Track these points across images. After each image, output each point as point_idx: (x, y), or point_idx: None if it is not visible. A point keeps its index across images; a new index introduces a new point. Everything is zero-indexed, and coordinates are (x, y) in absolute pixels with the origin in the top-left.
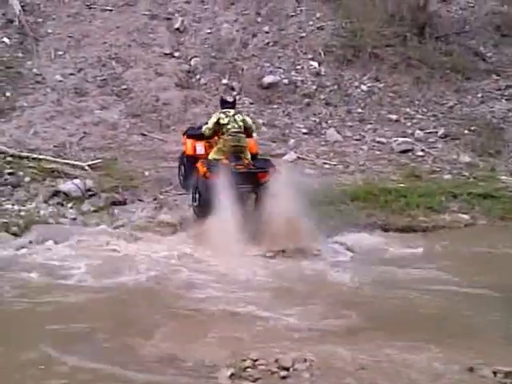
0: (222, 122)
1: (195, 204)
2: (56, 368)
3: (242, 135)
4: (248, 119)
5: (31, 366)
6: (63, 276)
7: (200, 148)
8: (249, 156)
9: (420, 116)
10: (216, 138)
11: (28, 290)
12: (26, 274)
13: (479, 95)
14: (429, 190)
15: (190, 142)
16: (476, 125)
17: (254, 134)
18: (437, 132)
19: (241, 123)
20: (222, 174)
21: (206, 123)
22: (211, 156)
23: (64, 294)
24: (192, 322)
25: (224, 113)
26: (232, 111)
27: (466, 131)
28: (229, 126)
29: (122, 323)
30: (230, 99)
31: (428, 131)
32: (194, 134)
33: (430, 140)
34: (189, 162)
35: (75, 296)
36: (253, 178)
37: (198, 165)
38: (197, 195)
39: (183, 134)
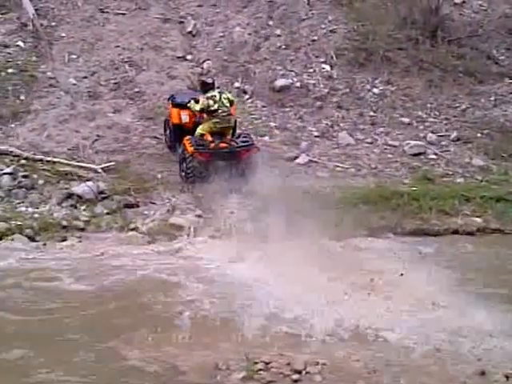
0: (212, 108)
1: (183, 174)
2: None
3: (231, 116)
4: (229, 95)
5: None
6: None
7: (185, 117)
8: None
9: (432, 119)
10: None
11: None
12: None
13: (492, 98)
14: (441, 193)
15: (175, 110)
16: (489, 128)
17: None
18: (449, 135)
19: (228, 104)
20: (207, 154)
21: (194, 99)
22: (198, 131)
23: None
24: (201, 325)
25: (211, 98)
26: (217, 94)
27: (478, 134)
28: (219, 111)
29: (125, 326)
30: (210, 81)
31: (440, 134)
32: (179, 103)
33: (443, 143)
34: (174, 128)
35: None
36: (236, 155)
37: (186, 142)
38: (184, 166)
39: (168, 100)
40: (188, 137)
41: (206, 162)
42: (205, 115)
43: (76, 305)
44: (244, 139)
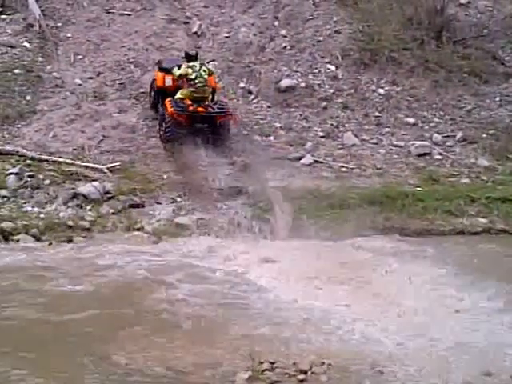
0: (190, 77)
1: (162, 133)
2: None
3: (207, 87)
4: (210, 67)
5: None
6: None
7: (168, 80)
8: (210, 98)
9: (438, 119)
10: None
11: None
12: None
13: (497, 99)
14: (447, 193)
15: (160, 74)
16: (494, 128)
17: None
18: (455, 136)
19: (206, 76)
20: (185, 116)
21: (178, 66)
22: (178, 95)
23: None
24: (205, 325)
25: (191, 67)
26: (198, 65)
27: (484, 135)
28: (196, 81)
29: (128, 326)
30: (193, 53)
31: (446, 135)
32: (165, 68)
33: (448, 144)
34: (158, 90)
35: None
36: (211, 119)
37: (167, 103)
38: (163, 126)
39: (155, 64)
40: (169, 98)
41: (183, 123)
42: (185, 80)
43: (76, 305)
44: (220, 106)
